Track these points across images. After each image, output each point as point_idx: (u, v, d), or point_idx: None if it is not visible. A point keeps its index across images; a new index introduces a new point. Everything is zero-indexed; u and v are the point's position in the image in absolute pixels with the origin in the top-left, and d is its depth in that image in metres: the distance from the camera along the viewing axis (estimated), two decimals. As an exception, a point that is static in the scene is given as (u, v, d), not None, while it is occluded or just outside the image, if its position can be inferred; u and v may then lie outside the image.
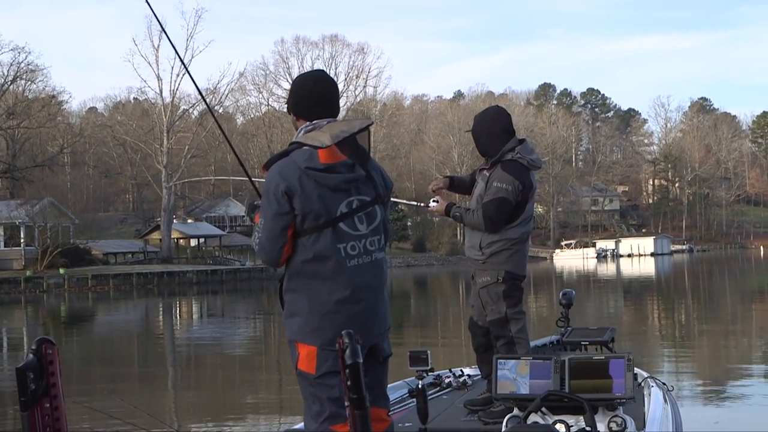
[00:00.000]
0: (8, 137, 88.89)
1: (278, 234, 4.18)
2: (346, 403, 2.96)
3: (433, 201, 6.78)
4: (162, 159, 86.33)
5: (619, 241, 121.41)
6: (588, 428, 4.90)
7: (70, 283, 60.89)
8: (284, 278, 4.30)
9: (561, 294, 7.72)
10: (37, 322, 38.27)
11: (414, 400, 6.66)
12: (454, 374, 7.26)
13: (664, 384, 6.53)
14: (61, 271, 62.17)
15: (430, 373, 7.28)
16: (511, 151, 6.43)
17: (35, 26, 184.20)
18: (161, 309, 44.60)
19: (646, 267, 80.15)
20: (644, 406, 5.91)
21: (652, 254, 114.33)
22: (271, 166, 4.28)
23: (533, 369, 5.23)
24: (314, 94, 4.40)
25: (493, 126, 6.49)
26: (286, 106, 4.68)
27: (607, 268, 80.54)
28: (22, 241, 68.60)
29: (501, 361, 5.31)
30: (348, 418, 2.92)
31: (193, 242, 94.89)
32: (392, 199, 5.08)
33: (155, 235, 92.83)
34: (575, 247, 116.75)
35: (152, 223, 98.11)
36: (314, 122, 4.35)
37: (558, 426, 4.99)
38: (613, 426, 5.09)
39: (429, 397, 6.75)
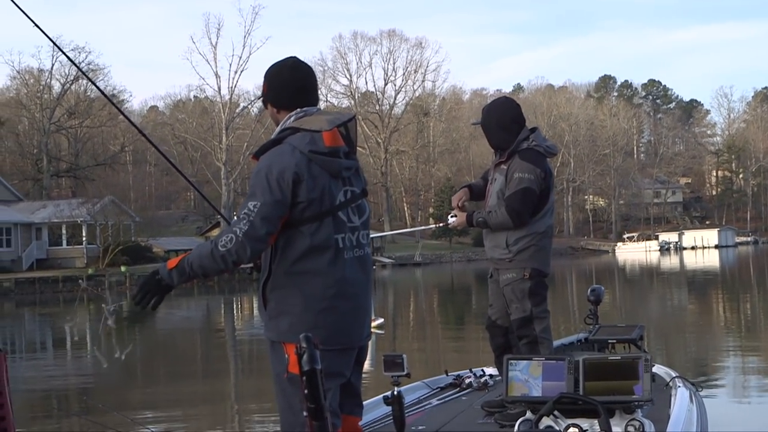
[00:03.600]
0: (70, 136, 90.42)
1: (275, 220, 3.91)
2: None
3: (452, 216, 6.53)
4: (221, 156, 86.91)
5: (683, 233, 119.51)
6: (603, 432, 4.69)
7: (131, 280, 61.45)
8: (270, 275, 4.03)
9: (589, 290, 7.50)
10: (99, 319, 38.59)
11: (429, 403, 6.54)
12: (475, 374, 7.04)
13: (693, 384, 6.27)
14: (123, 268, 62.77)
15: (450, 373, 7.10)
16: (525, 140, 6.24)
17: (93, 26, 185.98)
18: (223, 306, 44.81)
19: (711, 259, 78.79)
20: (669, 407, 5.68)
21: (716, 246, 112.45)
22: (264, 153, 4.06)
23: (546, 370, 5.01)
24: (294, 80, 4.18)
25: (502, 117, 6.29)
26: (262, 101, 4.37)
27: (671, 261, 79.36)
28: (83, 239, 69.42)
29: (512, 362, 5.10)
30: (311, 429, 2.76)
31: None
32: (396, 231, 4.69)
33: (216, 232, 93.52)
34: (638, 240, 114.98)
35: (213, 220, 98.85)
36: (304, 109, 4.14)
37: (571, 430, 4.78)
38: (631, 430, 4.86)
39: (448, 398, 6.59)
